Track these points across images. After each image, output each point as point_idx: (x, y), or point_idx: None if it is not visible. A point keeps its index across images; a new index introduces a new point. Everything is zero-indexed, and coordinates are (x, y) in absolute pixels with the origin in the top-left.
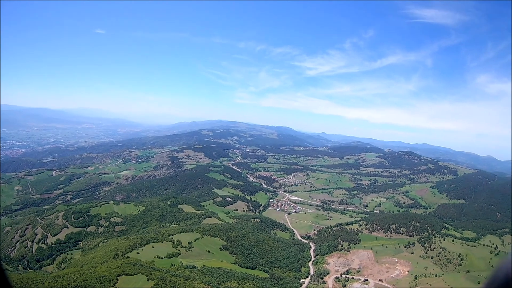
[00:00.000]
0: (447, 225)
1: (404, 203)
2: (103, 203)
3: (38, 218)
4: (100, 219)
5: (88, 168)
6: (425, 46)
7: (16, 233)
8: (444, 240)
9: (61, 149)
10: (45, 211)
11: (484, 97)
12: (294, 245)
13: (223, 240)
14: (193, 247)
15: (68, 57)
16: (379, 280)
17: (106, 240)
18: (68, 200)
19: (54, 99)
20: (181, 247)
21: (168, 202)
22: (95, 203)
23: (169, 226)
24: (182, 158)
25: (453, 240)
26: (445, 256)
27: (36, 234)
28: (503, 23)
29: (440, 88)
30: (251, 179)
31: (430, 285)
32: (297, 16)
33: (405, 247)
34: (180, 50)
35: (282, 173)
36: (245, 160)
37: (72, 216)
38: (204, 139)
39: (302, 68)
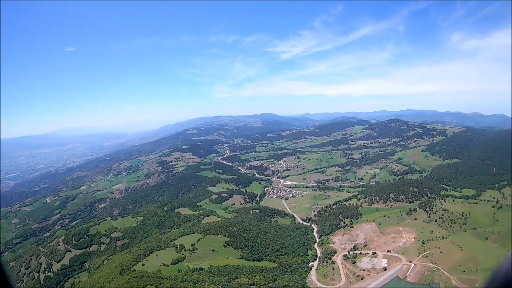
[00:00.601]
0: (445, 186)
1: (398, 170)
2: (101, 220)
3: (40, 247)
4: (101, 237)
5: (81, 188)
6: (395, 13)
7: (21, 266)
8: (445, 201)
9: (51, 174)
10: (46, 239)
11: (460, 55)
12: (297, 229)
13: (225, 236)
14: (197, 249)
15: (42, 81)
16: (387, 251)
17: (110, 257)
18: (66, 223)
19: (34, 125)
20: (185, 251)
21: (165, 208)
22: (93, 222)
23: (170, 231)
24: (171, 162)
25: (453, 200)
26: (449, 217)
27: (41, 264)
28: None
29: (415, 52)
30: (243, 171)
31: (439, 248)
32: (263, 1)
33: (407, 214)
34: (152, 55)
35: (272, 159)
36: (234, 153)
37: (73, 239)
38: (190, 139)
39: (276, 53)
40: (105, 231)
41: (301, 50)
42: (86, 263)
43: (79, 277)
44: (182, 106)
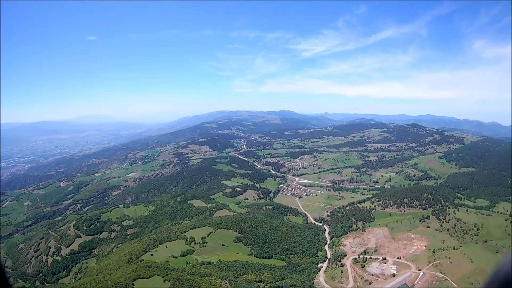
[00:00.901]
0: (459, 195)
1: (414, 175)
2: (113, 207)
3: (50, 231)
4: (112, 224)
5: (95, 174)
6: (419, 17)
7: (30, 249)
8: (458, 211)
9: (66, 159)
10: (57, 223)
11: (482, 63)
12: (308, 229)
13: (236, 231)
14: (207, 242)
15: (63, 68)
16: (398, 258)
17: (120, 245)
18: (78, 209)
19: (54, 111)
20: (195, 244)
21: (178, 199)
22: (105, 209)
23: (181, 223)
24: (187, 154)
25: (467, 210)
26: (461, 227)
27: (50, 247)
28: None
29: (437, 57)
30: (259, 166)
31: (449, 258)
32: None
33: (420, 221)
34: (173, 47)
35: (289, 157)
36: (251, 149)
37: (84, 224)
38: (207, 132)
39: (298, 51)
40: (117, 218)
41: (323, 49)
42: (95, 250)
43: (87, 263)
44: (201, 99)
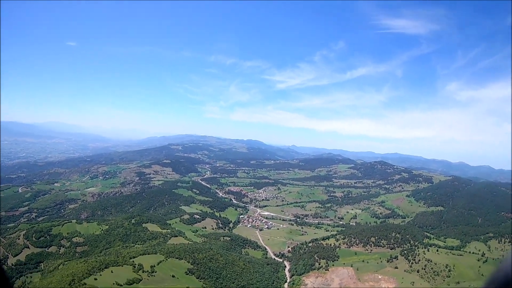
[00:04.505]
0: (428, 234)
1: (381, 213)
2: (66, 221)
3: (0, 237)
4: (62, 239)
5: (55, 184)
6: (396, 56)
7: None
8: (428, 251)
9: (30, 164)
10: (8, 229)
11: (455, 104)
12: (267, 265)
13: (189, 262)
14: (156, 272)
15: (38, 69)
16: None
17: (67, 262)
18: (33, 218)
19: (25, 112)
20: (143, 272)
21: (133, 221)
22: (57, 222)
23: (133, 246)
24: (149, 174)
25: (437, 250)
26: (432, 268)
27: None
28: (474, 31)
29: (411, 97)
30: (221, 194)
31: None
32: (267, 29)
33: (387, 262)
34: (149, 64)
35: (252, 187)
36: (215, 175)
37: (34, 235)
38: (173, 154)
39: (272, 82)
40: (68, 233)
41: (298, 82)
42: (42, 264)
43: (31, 277)
44: (172, 120)
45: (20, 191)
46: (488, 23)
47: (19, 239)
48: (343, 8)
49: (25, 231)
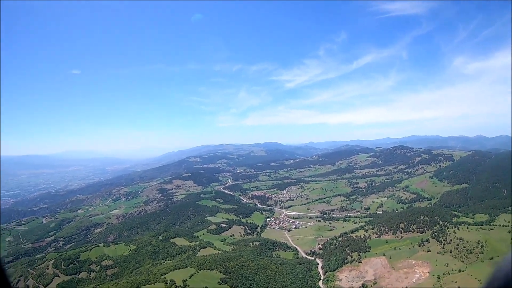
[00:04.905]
0: (456, 213)
1: (406, 198)
2: (93, 246)
3: (29, 269)
4: (91, 264)
5: (78, 211)
6: (398, 39)
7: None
8: (459, 230)
9: (51, 195)
10: (36, 260)
11: (463, 79)
12: (300, 264)
13: (220, 272)
14: (188, 285)
15: (48, 102)
16: None
17: (98, 286)
18: (60, 246)
19: (39, 145)
20: (176, 287)
21: (160, 238)
22: (85, 247)
23: (163, 263)
24: (171, 189)
25: (467, 228)
26: (464, 247)
27: (28, 286)
28: (470, 2)
29: (418, 78)
30: (245, 200)
31: (456, 282)
32: (268, 30)
33: (419, 246)
34: (157, 82)
35: (275, 189)
36: (236, 182)
37: (62, 263)
38: (192, 167)
39: (280, 82)
40: (96, 258)
41: (305, 79)
42: None
43: None
44: (186, 134)
45: (44, 221)
46: None
47: (48, 268)
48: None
49: (53, 260)
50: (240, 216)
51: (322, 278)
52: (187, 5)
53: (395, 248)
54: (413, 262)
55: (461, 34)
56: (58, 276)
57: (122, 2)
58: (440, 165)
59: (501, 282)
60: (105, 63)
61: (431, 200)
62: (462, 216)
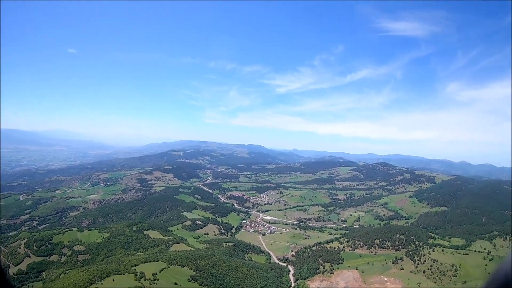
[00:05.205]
0: (432, 234)
1: (384, 215)
2: (67, 230)
3: (1, 246)
4: (63, 248)
5: (56, 191)
6: (396, 58)
7: None
8: (434, 251)
9: (31, 172)
10: (9, 238)
11: (455, 105)
12: (271, 270)
13: (191, 269)
14: (158, 280)
15: (40, 76)
16: None
17: (68, 271)
18: (34, 226)
19: (26, 120)
20: (145, 280)
21: (134, 228)
22: (58, 230)
23: (135, 254)
24: (151, 180)
25: (442, 250)
26: (438, 268)
27: None
28: (473, 31)
29: (411, 99)
30: (223, 199)
31: None
32: (266, 33)
33: (393, 263)
34: (152, 71)
35: (254, 192)
36: (216, 180)
37: (35, 244)
38: (174, 160)
39: (272, 86)
40: (69, 242)
41: (298, 86)
42: (43, 273)
43: (32, 287)
44: (173, 126)
45: (21, 198)
46: (487, 22)
47: (20, 248)
48: (342, 11)
49: (26, 240)
50: (216, 215)
51: (292, 285)
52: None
53: (368, 263)
54: (385, 279)
55: (459, 61)
56: (29, 256)
57: None
58: (421, 186)
59: (501, 282)
60: (102, 45)
61: (408, 219)
62: (438, 238)
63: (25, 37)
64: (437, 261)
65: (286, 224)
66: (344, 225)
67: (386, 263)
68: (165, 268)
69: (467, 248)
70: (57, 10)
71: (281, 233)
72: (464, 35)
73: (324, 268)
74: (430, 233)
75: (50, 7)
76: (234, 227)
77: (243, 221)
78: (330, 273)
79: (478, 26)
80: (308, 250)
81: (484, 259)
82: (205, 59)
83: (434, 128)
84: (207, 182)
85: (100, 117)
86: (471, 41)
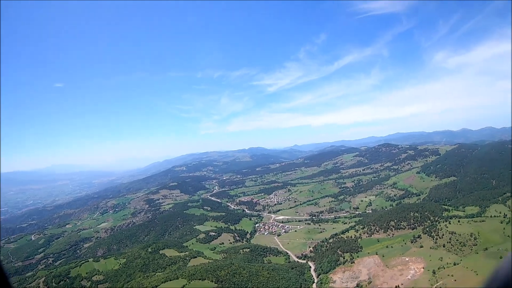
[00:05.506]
0: (446, 207)
1: (395, 195)
2: (83, 261)
3: None
4: (82, 280)
5: (67, 226)
6: (379, 38)
7: None
8: (450, 224)
9: (39, 210)
10: (27, 278)
11: (445, 73)
12: (292, 269)
13: (212, 282)
14: None
15: (33, 117)
16: (396, 287)
17: None
18: (50, 263)
19: (26, 161)
20: None
21: (149, 250)
22: (74, 263)
23: (154, 275)
24: (158, 199)
25: (459, 221)
26: (457, 240)
27: None
28: None
29: (400, 75)
30: (232, 207)
31: (452, 276)
32: (248, 35)
33: (412, 242)
34: (140, 91)
35: (262, 194)
36: (223, 189)
37: (53, 280)
38: (178, 176)
39: (262, 86)
40: (87, 273)
41: (287, 82)
42: None
43: None
44: (172, 143)
45: (33, 238)
46: None
47: (39, 286)
48: (318, 0)
49: (44, 278)
50: (229, 223)
51: (315, 281)
52: (167, 14)
53: (387, 247)
54: (407, 259)
55: (441, 29)
56: None
57: (103, 12)
58: (426, 160)
59: (501, 282)
60: (87, 75)
61: (420, 195)
62: (452, 209)
63: (11, 77)
64: (455, 233)
65: (299, 221)
66: (357, 212)
67: (405, 243)
68: (186, 284)
69: (482, 215)
70: (38, 48)
71: (295, 231)
72: (441, 2)
73: (344, 258)
74: (443, 206)
75: (29, 47)
76: (248, 232)
77: (256, 225)
78: (351, 263)
79: None
80: (325, 243)
81: (501, 223)
82: (192, 71)
83: (428, 100)
84: (214, 192)
85: (98, 145)
86: (450, 7)
